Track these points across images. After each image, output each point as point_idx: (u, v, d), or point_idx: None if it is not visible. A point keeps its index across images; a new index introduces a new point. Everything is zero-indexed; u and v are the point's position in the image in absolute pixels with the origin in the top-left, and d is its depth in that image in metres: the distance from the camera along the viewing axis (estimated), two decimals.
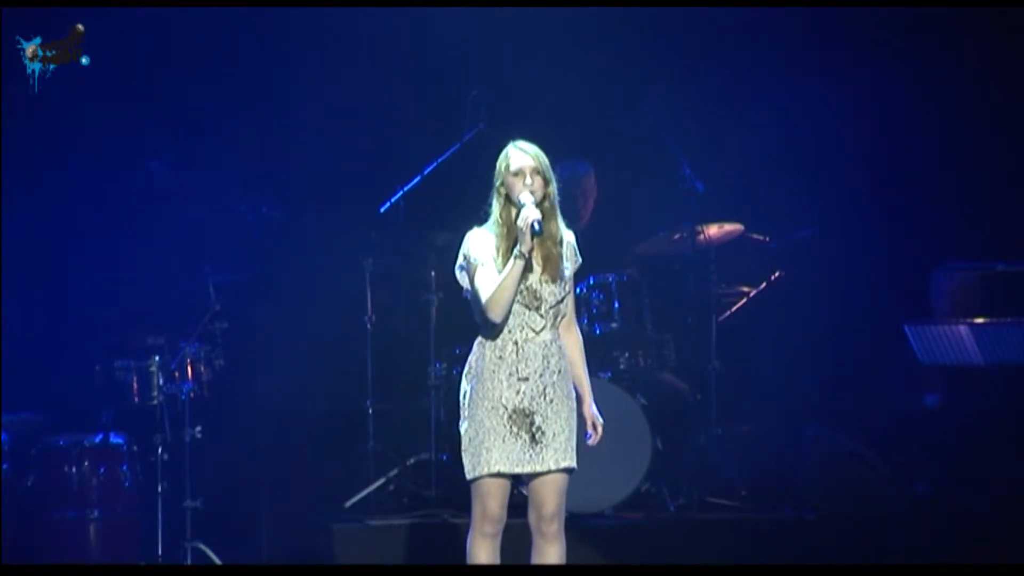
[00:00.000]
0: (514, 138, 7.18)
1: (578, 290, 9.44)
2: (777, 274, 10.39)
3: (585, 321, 9.62)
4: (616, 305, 9.78)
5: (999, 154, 10.44)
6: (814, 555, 8.93)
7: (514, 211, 7.06)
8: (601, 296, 9.78)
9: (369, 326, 9.91)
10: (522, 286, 7.07)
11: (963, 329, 9.02)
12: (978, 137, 10.45)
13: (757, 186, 10.52)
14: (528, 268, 7.06)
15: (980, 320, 9.09)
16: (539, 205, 7.06)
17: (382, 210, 10.01)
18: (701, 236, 9.98)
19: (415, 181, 9.99)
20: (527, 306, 7.09)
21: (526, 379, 7.07)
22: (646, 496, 9.53)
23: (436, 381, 9.79)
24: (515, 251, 7.00)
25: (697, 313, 10.04)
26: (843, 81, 10.47)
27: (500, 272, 7.03)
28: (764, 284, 10.39)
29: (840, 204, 10.54)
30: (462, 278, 7.18)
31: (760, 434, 10.33)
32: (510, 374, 7.07)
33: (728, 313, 10.31)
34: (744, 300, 10.39)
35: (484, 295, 7.05)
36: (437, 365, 9.81)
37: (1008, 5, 10.01)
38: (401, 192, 9.97)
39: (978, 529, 8.91)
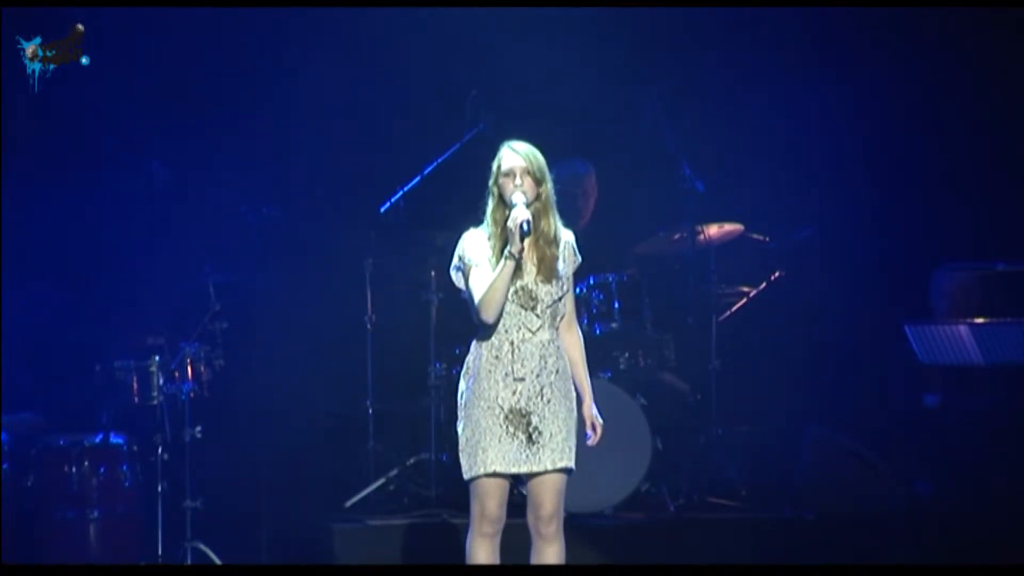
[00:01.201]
0: (512, 138, 7.19)
1: (578, 290, 9.43)
2: (777, 274, 10.38)
3: (585, 321, 9.61)
4: (616, 305, 9.78)
5: (999, 154, 10.43)
6: (814, 555, 8.92)
7: (507, 211, 7.06)
8: (601, 296, 9.78)
9: (369, 326, 9.91)
10: (517, 286, 7.06)
11: (963, 329, 9.03)
12: (978, 137, 10.44)
13: (757, 186, 10.52)
14: (522, 268, 7.06)
15: (980, 320, 9.09)
16: (531, 205, 7.06)
17: (382, 210, 10.00)
18: (701, 236, 9.97)
19: (415, 181, 9.98)
20: (523, 306, 7.08)
21: (522, 379, 7.06)
22: (646, 496, 9.52)
23: (436, 381, 9.78)
24: (505, 251, 7.01)
25: (697, 313, 10.04)
26: (843, 81, 10.46)
27: (494, 272, 7.04)
28: (764, 284, 10.39)
29: (840, 204, 10.53)
30: (457, 278, 7.18)
31: (760, 434, 10.33)
32: (506, 374, 7.07)
33: (728, 313, 10.30)
34: (744, 300, 10.38)
35: (477, 296, 7.05)
36: (437, 365, 9.80)
37: (1008, 5, 10.01)
38: (401, 192, 9.97)
39: (978, 529, 8.90)
